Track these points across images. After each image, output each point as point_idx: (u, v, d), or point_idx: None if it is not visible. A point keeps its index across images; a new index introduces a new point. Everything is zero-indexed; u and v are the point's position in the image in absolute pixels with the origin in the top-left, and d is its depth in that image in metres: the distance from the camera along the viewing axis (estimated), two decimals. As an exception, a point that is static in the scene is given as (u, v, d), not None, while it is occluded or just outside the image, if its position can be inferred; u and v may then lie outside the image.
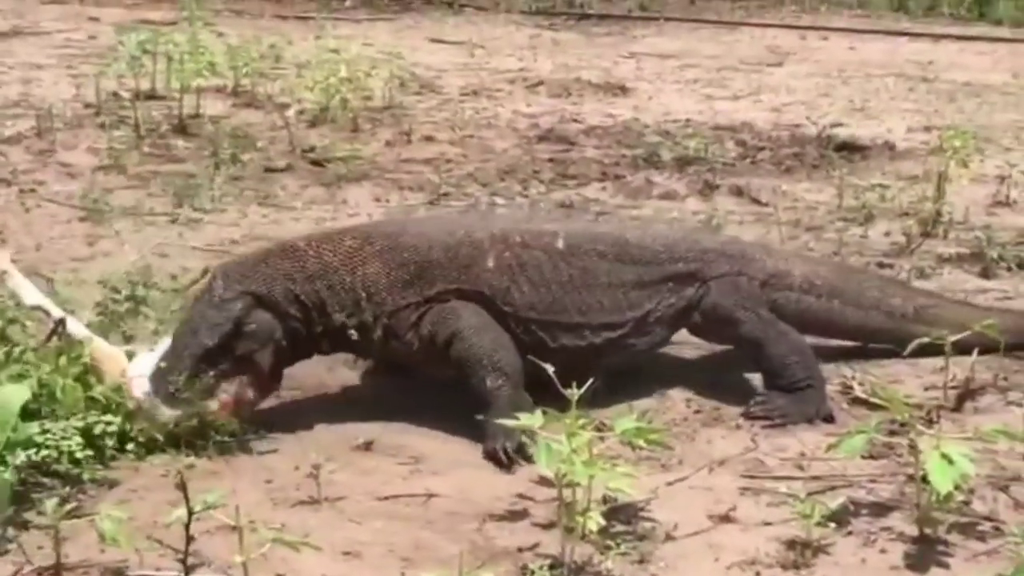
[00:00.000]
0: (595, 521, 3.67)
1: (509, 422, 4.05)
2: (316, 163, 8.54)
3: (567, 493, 3.96)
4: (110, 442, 4.27)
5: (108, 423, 4.28)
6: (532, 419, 3.93)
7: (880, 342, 5.40)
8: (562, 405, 3.86)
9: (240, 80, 10.76)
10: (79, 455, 4.10)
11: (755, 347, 4.96)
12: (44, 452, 4.04)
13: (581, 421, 3.90)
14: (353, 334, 4.67)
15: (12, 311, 4.68)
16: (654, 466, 4.37)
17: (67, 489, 4.07)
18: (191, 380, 4.41)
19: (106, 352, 4.49)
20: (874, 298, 5.35)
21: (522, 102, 11.25)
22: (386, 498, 4.15)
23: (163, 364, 4.46)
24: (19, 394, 4.10)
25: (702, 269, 5.04)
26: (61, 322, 4.56)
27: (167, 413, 4.36)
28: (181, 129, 9.20)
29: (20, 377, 4.28)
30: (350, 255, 4.70)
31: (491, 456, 4.39)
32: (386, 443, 4.55)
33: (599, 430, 4.11)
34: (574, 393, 3.98)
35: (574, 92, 11.76)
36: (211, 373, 4.46)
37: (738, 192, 8.05)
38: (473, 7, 18.57)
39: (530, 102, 11.25)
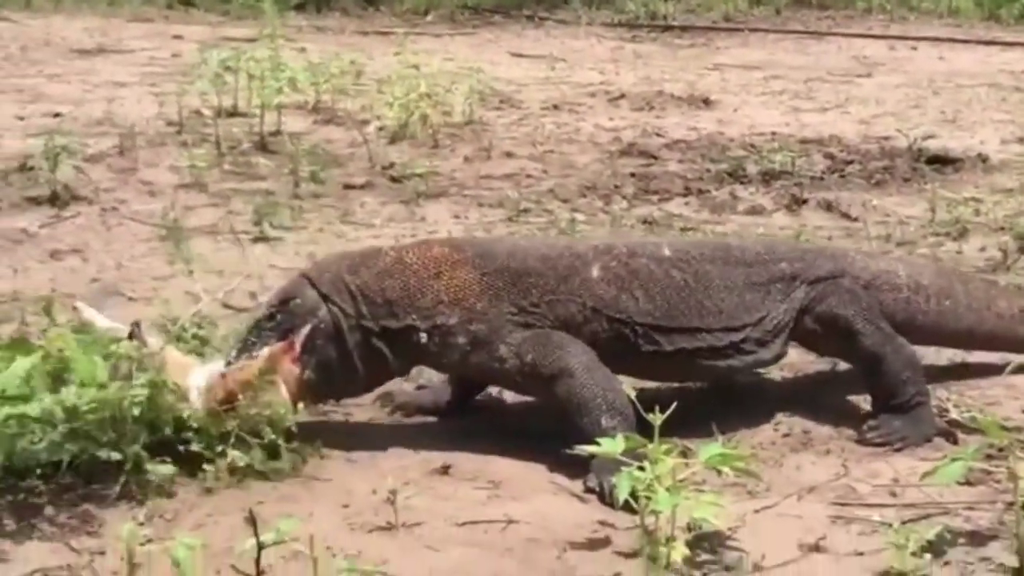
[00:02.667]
0: (680, 551, 3.53)
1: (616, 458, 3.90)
2: (395, 180, 8.48)
3: (650, 521, 3.85)
4: (136, 412, 4.05)
5: (135, 396, 4.06)
6: (612, 445, 3.81)
7: (987, 347, 5.21)
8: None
9: (321, 97, 10.76)
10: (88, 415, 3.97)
11: (873, 362, 4.73)
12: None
13: (664, 447, 3.79)
14: (423, 336, 4.52)
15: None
16: (740, 493, 4.22)
17: (145, 509, 4.02)
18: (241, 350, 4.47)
19: (177, 360, 4.42)
20: (983, 299, 5.11)
21: (604, 116, 11.14)
22: (464, 524, 4.04)
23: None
24: (24, 362, 4.04)
25: (805, 269, 4.83)
26: (136, 325, 4.49)
27: None
28: (262, 146, 9.19)
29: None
30: (436, 260, 4.57)
31: (595, 493, 4.22)
32: (464, 467, 4.42)
33: (684, 456, 3.98)
34: (657, 418, 3.86)
35: (657, 105, 11.63)
36: (256, 343, 4.46)
37: (827, 206, 7.86)
38: (554, 20, 18.52)
39: (612, 116, 11.14)
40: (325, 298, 4.50)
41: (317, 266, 4.76)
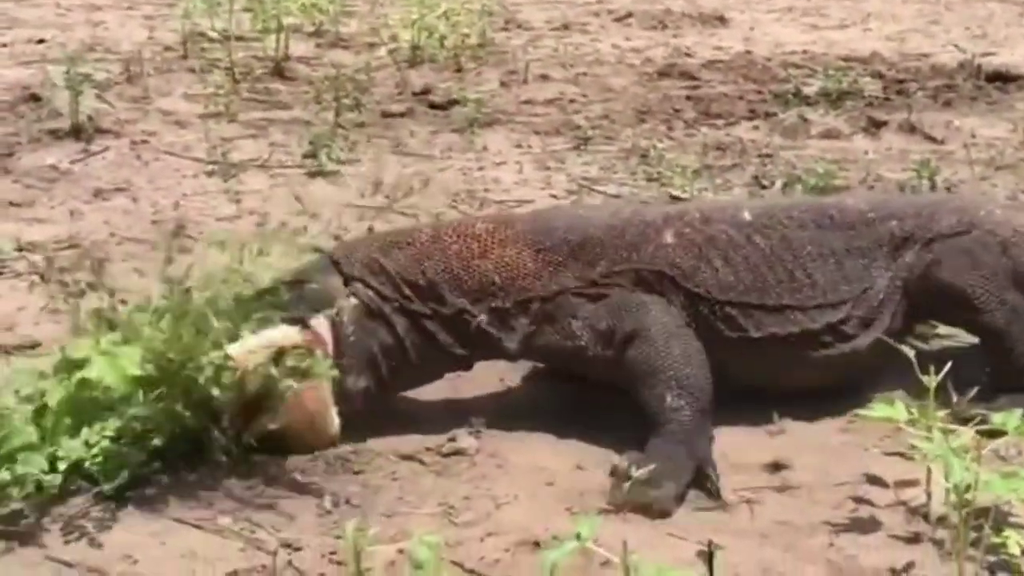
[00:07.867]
0: (1016, 542, 3.01)
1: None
2: (435, 106, 7.82)
3: (909, 495, 3.37)
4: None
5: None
6: (896, 411, 3.28)
7: None
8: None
9: (321, 20, 10.02)
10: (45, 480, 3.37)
11: (995, 340, 4.06)
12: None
13: (941, 413, 3.29)
14: (482, 320, 3.91)
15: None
16: (991, 460, 3.70)
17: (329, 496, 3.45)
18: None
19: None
20: None
21: (618, 36, 10.54)
22: (699, 509, 3.50)
23: None
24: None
25: (920, 227, 4.12)
26: None
27: None
28: (277, 72, 8.48)
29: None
30: (480, 237, 3.95)
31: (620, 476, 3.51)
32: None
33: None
34: (931, 379, 3.35)
35: (670, 24, 11.04)
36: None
37: (910, 129, 7.34)
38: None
39: (627, 36, 10.54)
40: (352, 283, 3.88)
41: (342, 245, 4.18)
